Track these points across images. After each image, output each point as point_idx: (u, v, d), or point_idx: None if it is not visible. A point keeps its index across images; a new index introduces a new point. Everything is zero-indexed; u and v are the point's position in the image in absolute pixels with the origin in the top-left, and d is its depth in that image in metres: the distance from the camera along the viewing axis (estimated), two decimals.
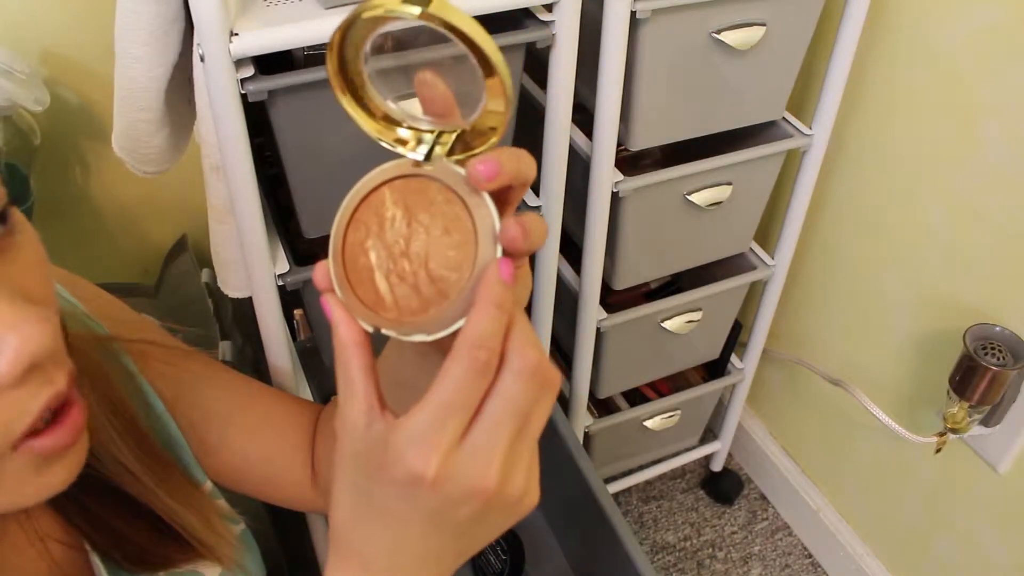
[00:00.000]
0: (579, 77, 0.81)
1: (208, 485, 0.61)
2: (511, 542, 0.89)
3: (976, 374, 0.96)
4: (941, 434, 1.07)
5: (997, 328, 0.98)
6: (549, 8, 0.75)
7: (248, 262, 0.76)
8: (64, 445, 0.37)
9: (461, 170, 0.38)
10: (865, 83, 1.07)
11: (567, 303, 1.08)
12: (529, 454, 0.39)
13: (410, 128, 0.41)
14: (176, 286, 1.20)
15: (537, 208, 0.90)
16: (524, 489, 0.39)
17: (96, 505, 0.50)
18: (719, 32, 0.88)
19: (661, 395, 1.33)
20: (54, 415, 0.37)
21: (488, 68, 0.37)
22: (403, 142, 0.41)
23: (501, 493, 0.37)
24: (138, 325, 0.63)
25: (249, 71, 0.65)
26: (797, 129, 1.04)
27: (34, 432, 0.36)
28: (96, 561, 0.49)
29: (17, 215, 0.38)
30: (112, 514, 0.50)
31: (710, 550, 1.46)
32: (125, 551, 0.50)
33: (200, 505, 0.56)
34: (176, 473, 0.56)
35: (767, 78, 0.97)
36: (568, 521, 1.01)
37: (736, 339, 1.29)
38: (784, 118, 1.05)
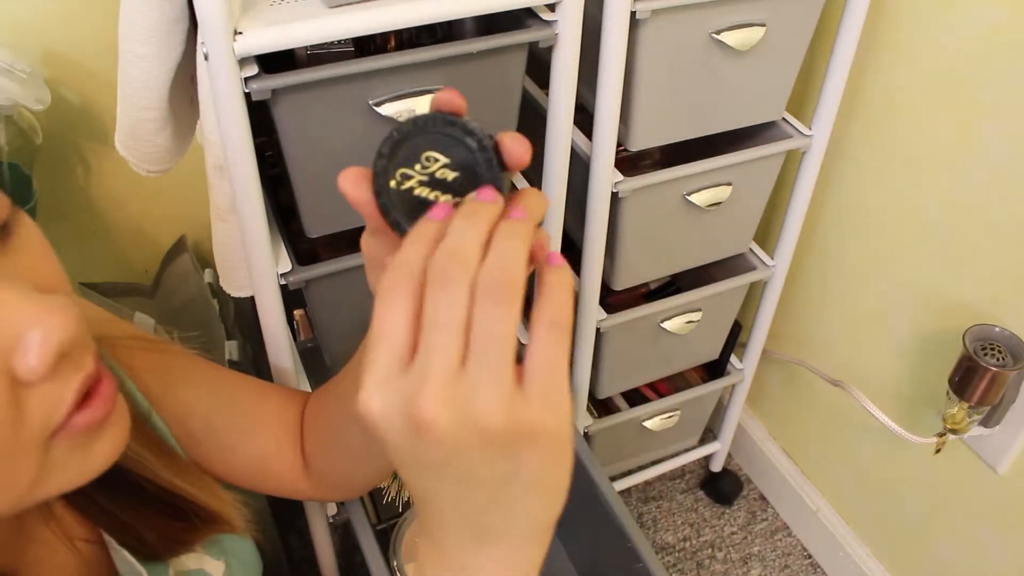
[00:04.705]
0: (579, 78, 0.81)
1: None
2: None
3: (976, 375, 0.96)
4: (941, 435, 1.07)
5: (997, 329, 0.98)
6: (552, 8, 0.75)
7: (250, 261, 0.77)
8: (101, 418, 0.37)
9: None
10: (865, 83, 1.07)
11: None
12: (491, 374, 0.34)
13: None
14: (175, 287, 1.20)
15: None
16: (500, 414, 0.34)
17: (106, 498, 0.50)
18: (719, 32, 0.88)
19: (661, 395, 1.33)
20: (86, 393, 0.37)
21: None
22: None
23: (450, 425, 0.34)
24: (116, 323, 0.62)
25: (253, 70, 0.66)
26: (797, 130, 1.04)
27: (69, 413, 0.36)
28: (122, 552, 0.50)
29: (16, 210, 0.38)
30: (122, 505, 0.51)
31: (710, 550, 1.46)
32: (140, 540, 0.51)
33: (197, 478, 0.56)
34: (171, 452, 0.57)
35: (767, 79, 0.97)
36: (571, 520, 1.01)
37: (736, 339, 1.30)
38: (784, 118, 1.05)
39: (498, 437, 0.34)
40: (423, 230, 0.38)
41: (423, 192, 0.41)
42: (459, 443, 0.34)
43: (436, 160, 0.40)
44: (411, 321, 0.35)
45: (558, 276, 0.37)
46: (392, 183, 0.41)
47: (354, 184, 0.41)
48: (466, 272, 0.35)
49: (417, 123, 0.40)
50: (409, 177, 0.41)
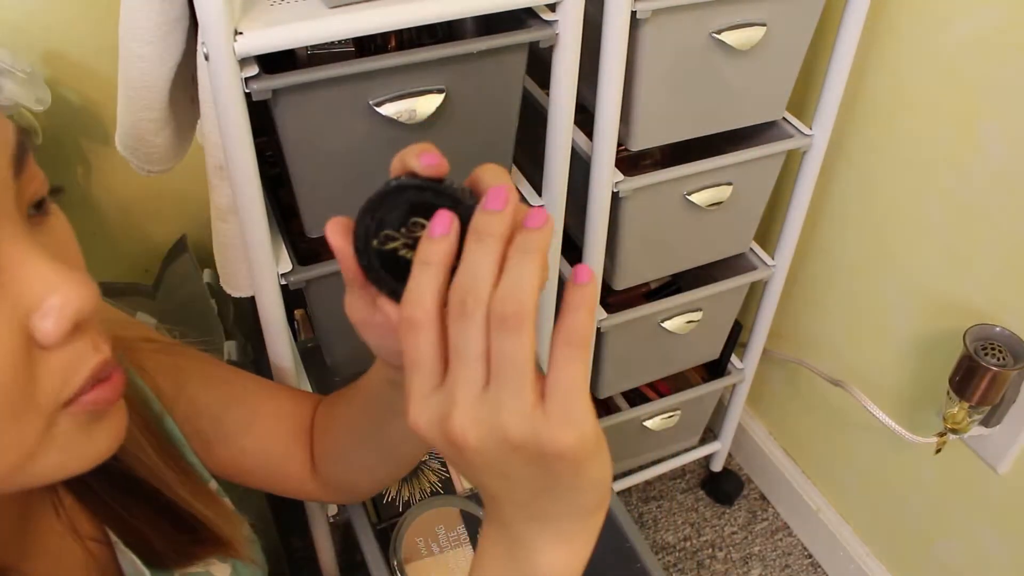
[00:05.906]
0: (579, 77, 0.81)
1: (213, 484, 0.61)
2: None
3: (976, 374, 0.96)
4: (941, 434, 1.07)
5: (997, 328, 0.98)
6: (552, 8, 0.75)
7: (251, 261, 0.77)
8: (108, 400, 0.39)
9: None
10: (865, 83, 1.07)
11: None
12: (511, 394, 0.37)
13: None
14: (176, 286, 1.20)
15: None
16: (522, 430, 0.37)
17: (119, 503, 0.51)
18: (719, 32, 0.88)
19: (661, 395, 1.33)
20: (98, 380, 0.39)
21: None
22: None
23: (479, 440, 0.38)
24: (129, 325, 0.63)
25: (253, 70, 0.65)
26: (797, 129, 1.04)
27: (82, 389, 0.38)
28: (128, 554, 0.50)
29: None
30: (134, 512, 0.51)
31: (710, 550, 1.46)
32: (148, 547, 0.51)
33: (212, 500, 0.57)
34: (188, 469, 0.57)
35: (767, 78, 0.97)
36: None
37: (736, 339, 1.30)
38: (784, 118, 1.05)
39: (523, 449, 0.37)
40: (425, 253, 0.39)
41: (408, 254, 0.41)
42: (492, 454, 0.38)
43: (422, 227, 0.40)
44: (435, 347, 0.39)
45: (578, 296, 0.38)
46: (375, 243, 0.41)
47: (338, 233, 0.42)
48: (480, 303, 0.37)
49: (402, 187, 0.40)
50: (393, 239, 0.41)
